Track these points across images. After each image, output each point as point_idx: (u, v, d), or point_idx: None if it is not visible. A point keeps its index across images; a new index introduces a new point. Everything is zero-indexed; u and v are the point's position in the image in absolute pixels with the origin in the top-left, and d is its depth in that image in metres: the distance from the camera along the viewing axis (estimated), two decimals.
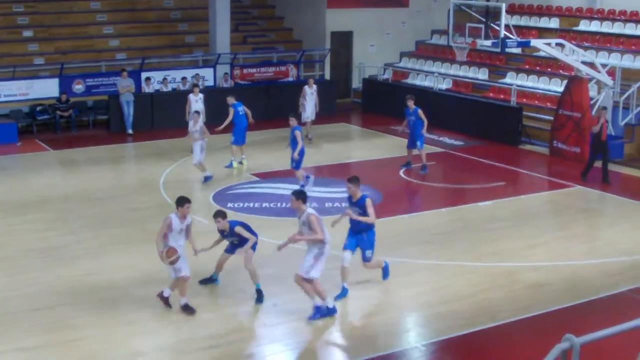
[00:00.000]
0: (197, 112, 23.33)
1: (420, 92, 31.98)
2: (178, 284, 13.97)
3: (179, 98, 28.09)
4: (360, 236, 14.66)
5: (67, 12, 34.45)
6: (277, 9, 39.23)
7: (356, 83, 37.34)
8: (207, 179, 22.61)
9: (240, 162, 24.66)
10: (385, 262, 15.38)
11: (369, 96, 35.08)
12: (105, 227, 19.03)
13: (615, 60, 29.43)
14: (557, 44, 27.46)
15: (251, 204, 20.73)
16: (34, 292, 14.87)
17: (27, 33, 32.97)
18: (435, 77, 33.22)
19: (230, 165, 24.45)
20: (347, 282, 14.71)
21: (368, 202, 14.42)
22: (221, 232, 14.44)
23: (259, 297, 14.39)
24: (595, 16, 33.35)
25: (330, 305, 13.66)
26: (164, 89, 31.28)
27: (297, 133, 21.52)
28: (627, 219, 20.52)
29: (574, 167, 25.27)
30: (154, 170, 24.20)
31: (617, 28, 32.02)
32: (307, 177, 21.92)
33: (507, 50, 27.75)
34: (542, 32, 33.56)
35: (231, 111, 24.42)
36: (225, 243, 14.83)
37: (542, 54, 29.85)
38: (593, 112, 26.22)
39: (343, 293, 14.59)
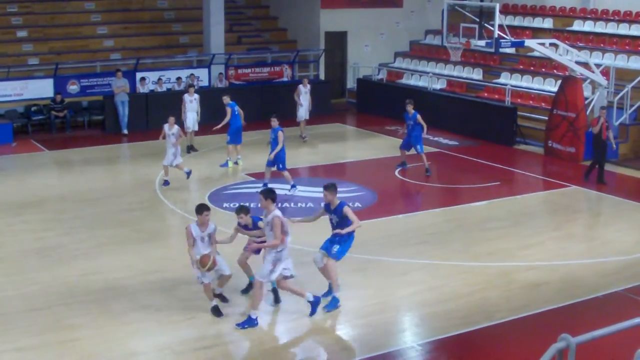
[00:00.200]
0: (172, 117, 23.01)
1: (414, 92, 32.15)
2: (223, 281, 14.07)
3: (174, 98, 28.08)
4: (339, 236, 14.24)
5: (61, 12, 34.43)
6: (271, 9, 39.24)
7: (351, 83, 37.35)
8: (165, 183, 22.47)
9: (236, 162, 24.66)
10: (337, 299, 14.35)
11: (364, 96, 35.10)
12: (101, 227, 19.02)
13: (609, 60, 29.50)
14: (551, 44, 27.53)
15: (246, 204, 20.68)
16: (30, 292, 14.86)
17: (22, 33, 32.94)
18: (430, 77, 33.27)
19: (225, 165, 24.46)
20: (330, 281, 14.39)
21: (346, 209, 14.09)
22: (244, 227, 14.32)
23: (276, 298, 14.34)
24: (589, 16, 33.41)
25: (253, 316, 13.40)
26: (159, 89, 31.27)
27: (280, 134, 21.48)
28: (622, 218, 20.57)
29: (569, 167, 25.39)
30: (149, 171, 24.19)
31: (610, 28, 32.08)
32: (294, 186, 21.89)
33: (501, 50, 27.85)
34: (536, 32, 33.61)
35: (228, 110, 24.43)
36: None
37: (536, 54, 29.91)
38: (587, 112, 26.30)
39: (333, 303, 14.27)
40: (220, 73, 32.82)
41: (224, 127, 24.51)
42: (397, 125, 29.98)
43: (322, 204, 14.54)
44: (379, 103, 33.54)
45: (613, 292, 15.22)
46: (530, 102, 29.98)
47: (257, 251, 14.49)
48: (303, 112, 28.62)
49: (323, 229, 14.81)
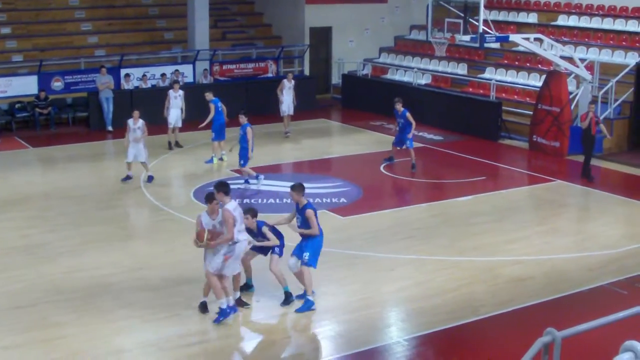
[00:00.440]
0: (137, 110, 22.86)
1: (399, 88, 32.17)
2: (231, 281, 13.90)
3: (159, 94, 28.00)
4: (305, 241, 14.19)
5: (45, 9, 34.28)
6: (256, 5, 39.17)
7: (335, 79, 37.33)
8: (127, 177, 22.44)
9: (221, 159, 24.63)
10: (312, 302, 14.17)
11: (349, 92, 35.08)
12: (86, 224, 18.97)
13: (594, 54, 29.58)
14: (535, 39, 27.58)
15: (254, 208, 20.68)
16: (15, 290, 14.81)
17: (5, 30, 32.77)
18: (415, 72, 33.27)
19: (210, 161, 24.43)
20: (304, 286, 14.25)
21: (308, 213, 13.92)
22: (249, 230, 14.26)
23: (286, 300, 14.14)
24: (573, 11, 33.48)
25: (231, 304, 13.38)
26: (144, 86, 31.18)
27: (249, 130, 21.44)
28: (607, 213, 20.66)
29: (554, 161, 25.45)
30: (135, 167, 24.07)
31: (595, 23, 32.16)
32: (257, 177, 21.86)
33: (486, 45, 27.88)
34: (521, 27, 33.68)
35: (212, 107, 24.40)
36: None
37: (520, 48, 29.96)
38: (572, 107, 26.37)
39: (306, 305, 14.12)
40: (205, 69, 32.77)
41: (208, 123, 24.46)
42: (382, 121, 29.99)
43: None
44: (364, 98, 33.55)
45: (598, 286, 15.29)
46: (515, 96, 30.03)
47: (260, 250, 14.41)
48: (286, 107, 28.60)
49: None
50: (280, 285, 14.18)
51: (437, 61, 33.94)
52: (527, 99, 29.25)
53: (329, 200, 20.70)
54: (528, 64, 31.52)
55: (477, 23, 25.25)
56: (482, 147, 27.15)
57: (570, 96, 26.57)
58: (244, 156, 21.59)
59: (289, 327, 13.66)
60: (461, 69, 33.32)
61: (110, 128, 29.42)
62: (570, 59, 26.94)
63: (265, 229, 14.13)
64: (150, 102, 29.03)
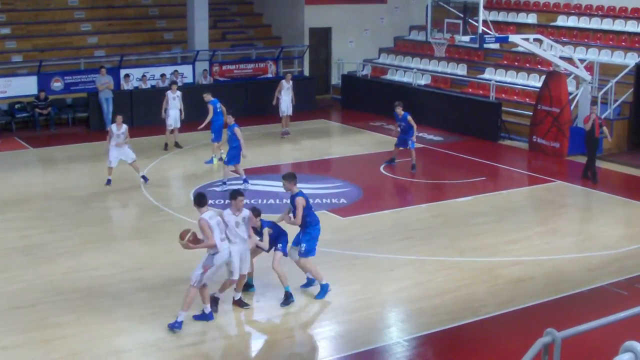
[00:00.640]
0: (119, 114, 22.82)
1: (399, 88, 32.23)
2: (227, 283, 13.90)
3: (158, 95, 28.00)
4: (302, 232, 14.47)
5: (44, 9, 34.27)
6: (255, 6, 39.17)
7: (335, 79, 37.33)
8: (108, 181, 22.30)
9: (220, 159, 24.62)
10: (326, 284, 14.67)
11: (348, 92, 35.09)
12: (85, 224, 18.96)
13: (593, 55, 29.58)
14: (535, 40, 27.59)
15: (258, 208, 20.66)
16: (15, 291, 14.81)
17: (5, 30, 32.77)
18: (414, 73, 33.26)
19: (210, 162, 24.44)
20: (310, 274, 14.72)
21: (297, 201, 14.16)
22: (254, 230, 14.32)
23: (286, 300, 14.15)
24: (573, 11, 33.48)
25: (180, 320, 13.18)
26: (143, 86, 31.17)
27: (237, 130, 21.44)
28: (607, 213, 20.66)
29: (554, 162, 25.45)
30: (129, 169, 24.09)
31: (594, 23, 32.16)
32: (245, 181, 21.84)
33: (486, 45, 27.86)
34: (520, 28, 33.68)
35: (210, 108, 24.40)
36: None
37: (520, 49, 29.96)
38: (572, 107, 26.38)
39: (323, 290, 14.58)
40: (205, 69, 32.78)
41: (207, 124, 24.45)
42: (381, 121, 29.96)
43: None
44: (364, 99, 33.55)
45: (598, 287, 15.29)
46: (515, 97, 30.02)
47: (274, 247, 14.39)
48: (285, 108, 28.58)
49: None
50: (281, 285, 14.18)
51: (436, 62, 33.95)
52: (527, 99, 29.25)
53: (328, 201, 20.70)
54: (528, 65, 31.53)
55: (476, 24, 25.24)
56: (482, 148, 27.15)
57: (570, 97, 26.57)
58: (234, 156, 21.55)
59: (289, 328, 13.65)
60: (461, 70, 33.32)
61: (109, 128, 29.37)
62: (569, 60, 26.94)
63: (265, 230, 14.16)
64: (150, 103, 29.08)
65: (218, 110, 24.51)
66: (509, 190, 22.48)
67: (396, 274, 15.87)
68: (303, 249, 14.33)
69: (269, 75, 34.35)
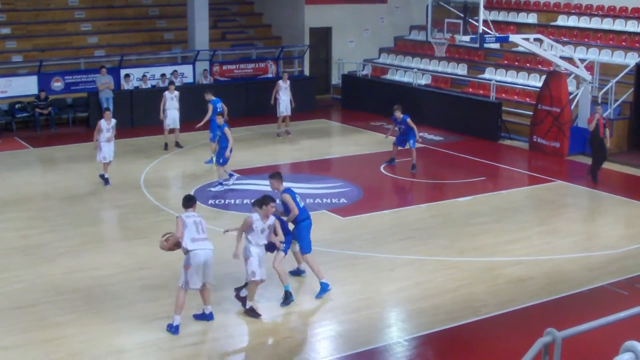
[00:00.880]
0: (108, 109, 22.82)
1: (399, 88, 32.23)
2: (252, 286, 13.76)
3: (159, 95, 27.95)
4: (295, 230, 14.79)
5: (44, 9, 34.28)
6: (255, 5, 39.17)
7: (335, 79, 37.33)
8: (104, 178, 22.40)
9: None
10: (325, 284, 14.74)
11: (349, 92, 35.08)
12: (85, 224, 18.97)
13: (593, 55, 29.57)
14: (535, 39, 27.58)
15: (232, 201, 20.72)
16: (15, 291, 14.81)
17: (5, 30, 32.77)
18: (415, 72, 33.26)
19: (210, 162, 24.43)
20: (301, 265, 15.28)
21: (284, 197, 14.55)
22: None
23: (286, 300, 14.15)
24: (573, 11, 33.48)
25: (177, 324, 13.09)
26: (143, 86, 31.17)
27: (226, 130, 21.46)
28: (607, 213, 20.67)
29: (554, 162, 25.45)
30: (134, 168, 24.13)
31: (594, 23, 32.16)
32: (231, 175, 21.84)
33: (486, 45, 27.87)
34: (520, 28, 33.68)
35: (210, 107, 24.41)
36: None
37: (520, 49, 29.95)
38: (572, 107, 26.37)
39: (323, 289, 14.67)
40: (205, 69, 32.78)
41: (208, 123, 24.45)
42: (382, 121, 29.92)
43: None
44: (364, 99, 33.55)
45: (598, 287, 15.29)
46: (515, 97, 30.02)
47: (269, 248, 14.29)
48: (283, 108, 28.52)
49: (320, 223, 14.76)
50: (281, 285, 14.18)
51: (437, 61, 33.94)
52: (527, 99, 29.25)
53: (329, 201, 20.70)
54: (528, 65, 31.53)
55: (476, 23, 25.24)
56: (482, 148, 27.14)
57: (570, 97, 26.57)
58: (222, 156, 21.57)
59: (289, 328, 13.65)
60: (461, 70, 33.32)
61: None
62: (570, 60, 26.94)
63: (277, 223, 14.14)
64: (150, 103, 29.04)
65: (219, 110, 24.51)
66: (509, 190, 22.47)
67: (396, 274, 15.87)
68: (298, 248, 14.67)
69: (269, 75, 34.33)
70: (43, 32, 33.42)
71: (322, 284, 14.64)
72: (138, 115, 30.13)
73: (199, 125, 24.66)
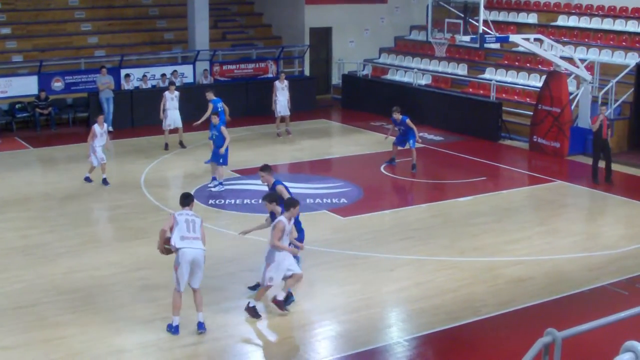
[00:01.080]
0: (103, 114, 22.92)
1: (399, 88, 32.23)
2: (289, 283, 13.69)
3: (159, 95, 27.94)
4: None
5: (45, 9, 34.28)
6: (255, 5, 39.17)
7: (336, 79, 37.34)
8: (88, 179, 22.52)
9: None
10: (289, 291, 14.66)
11: (349, 92, 35.09)
12: (86, 224, 18.98)
13: (594, 55, 29.57)
14: (535, 39, 27.57)
15: (232, 201, 20.72)
16: (15, 291, 14.80)
17: (5, 30, 32.77)
18: (415, 72, 33.26)
19: (210, 161, 24.40)
20: None
21: (279, 188, 14.84)
22: (271, 214, 14.37)
23: (287, 299, 14.03)
24: (573, 11, 33.47)
25: (202, 320, 13.13)
26: (144, 86, 31.18)
27: (223, 129, 21.48)
28: (607, 213, 20.69)
29: (554, 162, 25.45)
30: (135, 168, 24.14)
31: (595, 23, 32.15)
32: (220, 183, 21.79)
33: (486, 45, 27.88)
34: (521, 28, 33.68)
35: (210, 106, 24.41)
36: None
37: (521, 49, 29.95)
38: (572, 107, 26.37)
39: None
40: (205, 69, 32.78)
41: (207, 122, 24.43)
42: (382, 121, 29.91)
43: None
44: (364, 99, 33.55)
45: (599, 287, 15.29)
46: (515, 97, 30.02)
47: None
48: (280, 108, 28.40)
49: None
50: (281, 285, 14.17)
51: (437, 62, 33.94)
52: (528, 99, 29.25)
53: (329, 201, 20.70)
54: (528, 65, 31.53)
55: (477, 23, 25.24)
56: (482, 148, 27.14)
57: (571, 97, 26.57)
58: (222, 155, 21.55)
59: (289, 327, 13.63)
60: (461, 70, 33.32)
61: (110, 128, 29.28)
62: (570, 60, 26.93)
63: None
64: (150, 103, 29.04)
65: (220, 109, 24.52)
66: (509, 190, 22.47)
67: (396, 274, 15.87)
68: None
69: (270, 75, 34.31)
70: (43, 32, 33.42)
71: None
72: (138, 115, 30.14)
73: (196, 123, 24.69)
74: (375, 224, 19.07)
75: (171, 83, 27.61)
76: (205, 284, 14.12)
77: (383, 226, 18.92)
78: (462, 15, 25.70)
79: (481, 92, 30.76)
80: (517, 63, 32.08)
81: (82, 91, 30.80)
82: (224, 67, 33.76)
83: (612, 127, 26.00)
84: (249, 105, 32.17)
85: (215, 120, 21.69)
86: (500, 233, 18.43)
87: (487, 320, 13.74)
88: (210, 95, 24.83)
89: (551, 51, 26.97)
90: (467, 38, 25.58)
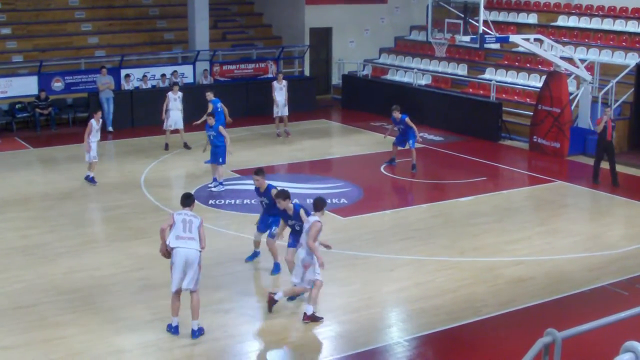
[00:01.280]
0: (102, 111, 23.03)
1: (399, 88, 32.22)
2: (313, 290, 13.60)
3: (159, 95, 27.98)
4: (273, 217, 15.31)
5: (45, 9, 34.27)
6: (256, 6, 39.17)
7: (336, 79, 37.35)
8: (90, 179, 22.50)
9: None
10: (278, 263, 15.62)
11: (349, 92, 35.08)
12: (86, 224, 19.00)
13: (594, 55, 29.57)
14: (535, 40, 27.59)
15: (232, 201, 20.71)
16: (15, 291, 14.80)
17: (5, 30, 32.77)
18: (415, 73, 33.26)
19: (210, 162, 24.40)
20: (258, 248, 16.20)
21: (273, 192, 15.00)
22: (283, 212, 14.42)
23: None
24: (573, 11, 33.48)
25: (195, 328, 13.05)
26: (144, 86, 31.18)
27: (221, 128, 21.52)
28: (607, 213, 20.69)
29: (554, 162, 25.45)
30: (135, 168, 24.14)
31: (595, 23, 32.16)
32: (220, 183, 21.81)
33: (486, 45, 27.88)
34: (521, 28, 33.69)
35: (210, 106, 24.40)
36: None
37: (521, 49, 29.95)
38: (572, 108, 26.37)
39: (277, 268, 15.63)
40: (205, 69, 32.77)
41: (204, 122, 24.44)
42: (382, 121, 29.92)
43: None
44: (364, 99, 33.54)
45: (599, 287, 15.29)
46: (515, 97, 30.03)
47: (294, 243, 14.42)
48: (278, 109, 28.34)
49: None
50: (281, 284, 14.19)
51: (437, 62, 33.94)
52: (528, 99, 29.25)
53: (329, 201, 20.64)
54: (528, 65, 31.53)
55: (477, 24, 25.25)
56: (482, 148, 27.14)
57: (571, 97, 26.57)
58: (221, 154, 21.57)
59: (289, 328, 13.63)
60: (461, 70, 33.32)
61: (110, 129, 29.39)
62: (570, 60, 26.94)
63: (302, 212, 14.18)
64: (150, 103, 29.07)
65: (219, 109, 24.52)
66: (510, 191, 22.48)
67: (396, 274, 15.87)
68: (274, 231, 15.25)
69: (270, 75, 34.29)
70: (43, 32, 33.41)
71: (276, 264, 15.52)
72: (138, 115, 30.14)
73: (196, 123, 24.72)
74: (375, 224, 19.07)
75: (175, 83, 27.60)
76: (206, 284, 14.15)
77: (383, 226, 18.92)
78: (462, 16, 25.71)
79: (481, 92, 30.76)
80: (517, 63, 32.09)
81: (82, 91, 30.79)
82: (224, 67, 33.76)
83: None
84: (249, 105, 32.17)
85: (210, 121, 21.67)
86: (501, 233, 18.43)
87: (488, 320, 13.74)
88: (210, 96, 24.85)
89: (551, 51, 26.98)
90: (467, 38, 25.59)
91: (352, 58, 36.83)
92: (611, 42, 30.61)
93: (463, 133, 28.99)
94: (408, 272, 15.96)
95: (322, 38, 37.45)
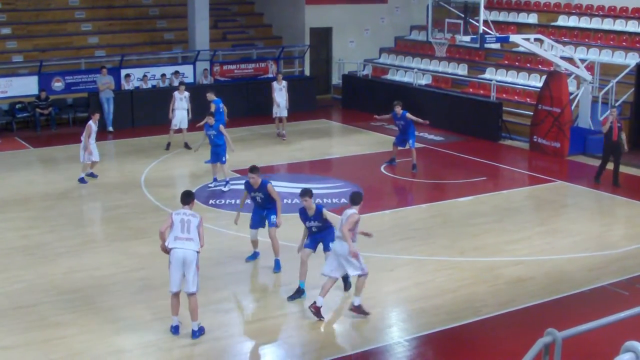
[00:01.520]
0: (101, 112, 23.17)
1: (400, 88, 32.20)
2: (360, 284, 13.70)
3: (159, 95, 28.03)
4: (269, 210, 15.63)
5: (45, 9, 34.27)
6: (256, 5, 39.17)
7: (336, 79, 37.34)
8: (87, 177, 22.63)
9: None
10: (278, 259, 15.81)
11: (349, 92, 35.08)
12: (86, 224, 19.01)
13: (594, 55, 29.57)
14: (535, 40, 27.58)
15: (232, 201, 20.70)
16: (15, 290, 14.81)
17: (5, 30, 32.77)
18: (415, 72, 33.26)
19: (210, 162, 24.39)
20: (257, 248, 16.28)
21: (269, 187, 15.45)
22: (302, 210, 14.39)
23: (297, 293, 14.42)
24: (574, 11, 33.48)
25: (196, 328, 13.00)
26: (144, 86, 31.18)
27: (221, 127, 21.58)
28: (607, 213, 20.69)
29: (554, 162, 25.45)
30: (135, 168, 24.14)
31: (595, 23, 32.16)
32: (227, 182, 21.82)
33: (486, 45, 27.87)
34: (521, 28, 33.68)
35: (212, 107, 24.39)
36: None
37: (521, 49, 29.95)
38: (572, 107, 26.37)
39: (278, 265, 15.78)
40: (205, 69, 32.76)
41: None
42: (382, 121, 29.91)
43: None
44: (364, 99, 33.53)
45: (599, 287, 15.29)
46: (516, 97, 30.02)
47: (313, 245, 14.52)
48: (277, 109, 28.26)
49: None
50: (281, 285, 14.19)
51: (437, 62, 33.94)
52: (528, 99, 29.25)
53: (329, 201, 20.68)
54: (528, 65, 31.53)
55: (477, 23, 25.25)
56: (482, 148, 27.14)
57: (571, 97, 26.57)
58: (223, 153, 21.59)
59: (290, 327, 13.64)
60: (461, 70, 33.32)
61: (110, 128, 29.39)
62: (570, 60, 26.93)
63: (325, 212, 14.23)
64: (150, 103, 29.09)
65: (220, 110, 24.53)
66: (510, 190, 22.47)
67: (396, 274, 15.87)
68: (274, 219, 15.50)
69: (270, 75, 34.28)
70: (43, 32, 33.42)
71: (277, 261, 15.73)
72: (138, 115, 30.14)
73: (199, 124, 24.69)
74: (375, 224, 19.02)
75: (181, 83, 27.60)
76: (206, 284, 14.16)
77: (383, 226, 18.90)
78: (462, 16, 25.71)
79: (481, 92, 30.76)
80: (517, 63, 32.09)
81: (83, 91, 30.78)
82: (224, 67, 33.75)
83: None
84: (249, 105, 32.17)
85: (210, 121, 21.68)
86: (501, 233, 18.43)
87: (488, 320, 13.74)
88: (211, 96, 24.85)
89: (551, 51, 26.98)
90: (467, 38, 25.59)
91: (352, 58, 36.84)
92: (611, 42, 30.61)
93: (463, 133, 28.99)
94: (408, 272, 15.97)
95: (322, 38, 37.45)
